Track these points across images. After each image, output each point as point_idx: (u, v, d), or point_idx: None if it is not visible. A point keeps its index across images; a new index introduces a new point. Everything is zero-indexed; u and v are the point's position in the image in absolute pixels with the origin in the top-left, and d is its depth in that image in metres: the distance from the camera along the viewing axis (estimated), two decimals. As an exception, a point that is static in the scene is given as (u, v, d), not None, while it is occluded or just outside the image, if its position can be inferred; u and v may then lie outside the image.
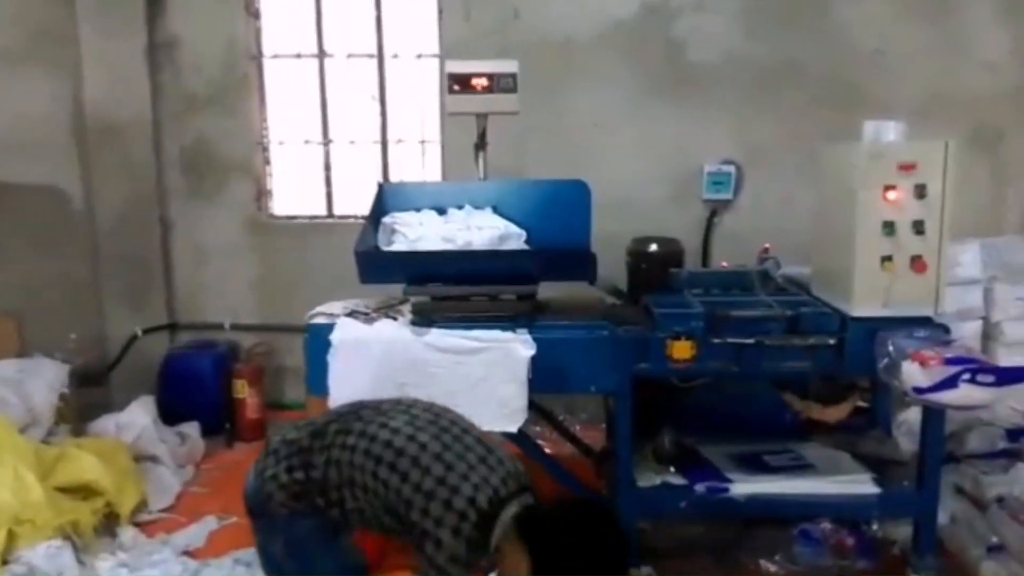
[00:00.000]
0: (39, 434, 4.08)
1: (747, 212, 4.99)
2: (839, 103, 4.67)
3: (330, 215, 5.42)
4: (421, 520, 1.92)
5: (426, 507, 1.93)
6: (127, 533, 3.68)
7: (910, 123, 3.16)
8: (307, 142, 5.33)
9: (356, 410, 2.20)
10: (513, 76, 3.56)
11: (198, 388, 4.94)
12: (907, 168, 2.95)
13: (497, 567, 2.00)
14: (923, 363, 2.66)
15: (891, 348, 2.82)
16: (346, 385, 3.06)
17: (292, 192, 5.43)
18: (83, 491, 3.70)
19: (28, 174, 4.80)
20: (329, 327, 3.16)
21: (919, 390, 2.64)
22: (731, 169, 4.97)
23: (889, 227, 2.95)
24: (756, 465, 3.31)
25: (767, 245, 3.84)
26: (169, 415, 4.69)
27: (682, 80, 4.95)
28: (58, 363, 4.48)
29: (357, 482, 2.02)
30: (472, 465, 1.99)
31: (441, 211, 3.49)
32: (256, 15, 5.23)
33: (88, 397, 4.76)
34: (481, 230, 3.36)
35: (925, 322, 2.99)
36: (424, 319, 3.15)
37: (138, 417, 4.40)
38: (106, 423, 4.39)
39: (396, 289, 3.33)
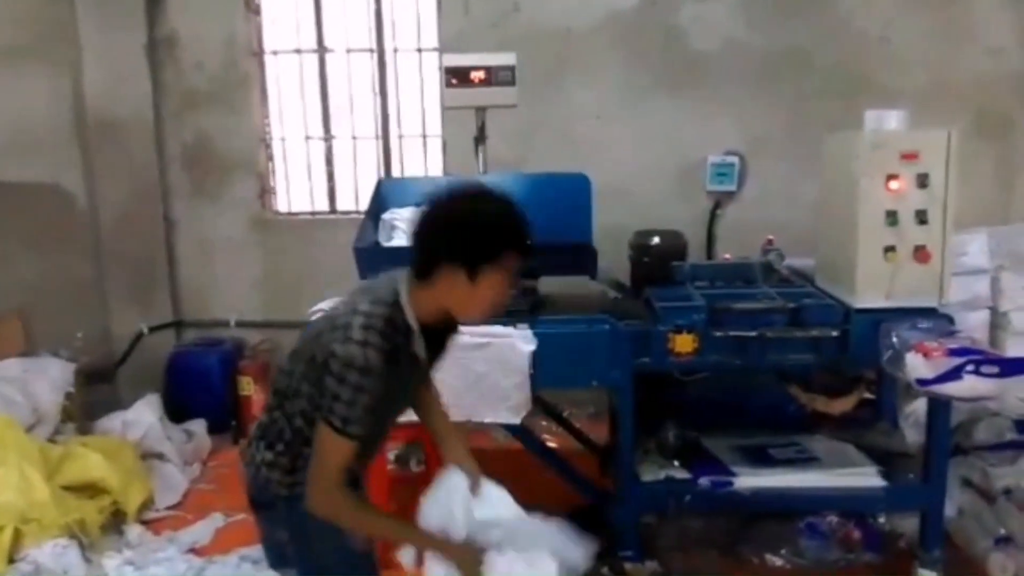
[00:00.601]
0: (45, 433, 4.09)
1: (751, 203, 4.95)
2: (843, 91, 4.63)
3: (333, 211, 5.41)
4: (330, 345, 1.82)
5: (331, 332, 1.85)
6: (133, 531, 3.70)
7: (915, 111, 3.12)
8: (309, 138, 5.32)
9: None
10: (511, 69, 3.55)
11: (204, 385, 4.96)
12: (909, 157, 2.92)
13: (441, 304, 1.90)
14: (927, 354, 2.63)
15: (895, 339, 2.80)
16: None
17: (295, 188, 5.43)
18: (89, 489, 3.72)
19: (30, 173, 4.80)
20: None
21: (923, 382, 2.62)
22: (735, 160, 4.93)
23: (892, 217, 2.93)
24: (761, 458, 3.29)
25: (770, 237, 3.81)
26: (175, 412, 4.72)
27: (684, 70, 4.91)
28: (63, 362, 4.48)
29: (300, 392, 1.93)
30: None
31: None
32: (256, 11, 5.22)
33: (95, 395, 4.76)
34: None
35: (929, 313, 2.96)
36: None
37: (144, 415, 4.42)
38: (112, 421, 4.41)
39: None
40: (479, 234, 1.83)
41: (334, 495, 1.86)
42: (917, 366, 2.64)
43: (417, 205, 1.90)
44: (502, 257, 1.84)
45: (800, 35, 4.83)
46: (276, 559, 2.12)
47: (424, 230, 1.87)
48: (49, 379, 4.30)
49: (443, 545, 1.96)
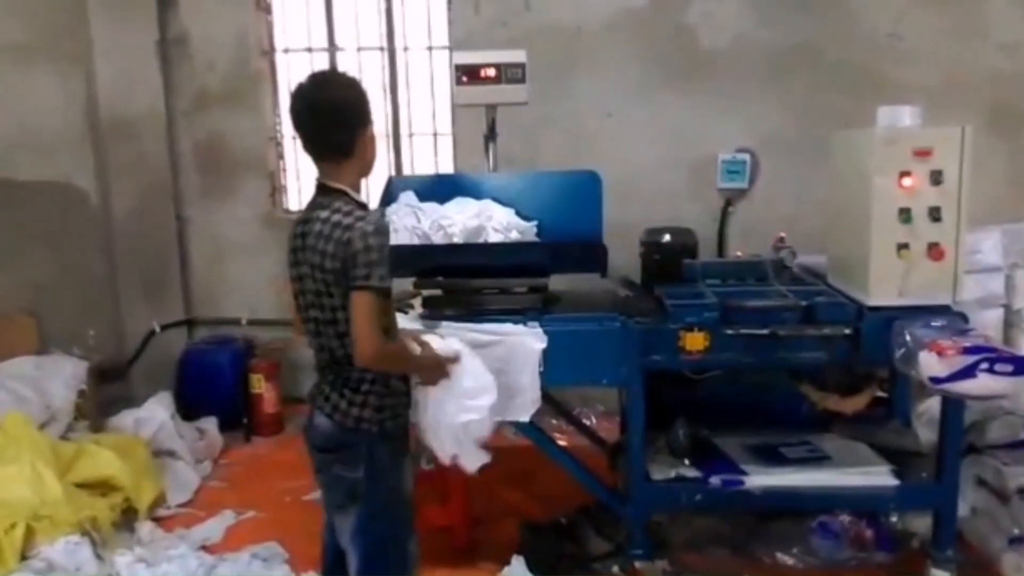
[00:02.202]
0: (58, 430, 4.12)
1: (763, 201, 4.93)
2: (855, 88, 4.60)
3: (343, 209, 5.40)
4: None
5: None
6: (145, 528, 3.72)
7: (927, 107, 3.09)
8: (320, 136, 5.31)
9: None
10: (521, 66, 3.54)
11: (216, 383, 4.98)
12: (923, 154, 2.89)
13: (360, 172, 2.32)
14: (940, 353, 2.61)
15: (908, 338, 2.77)
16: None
17: (306, 187, 5.44)
18: (101, 487, 3.74)
19: (43, 171, 4.83)
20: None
21: (936, 380, 2.60)
22: (746, 157, 4.91)
23: (905, 214, 2.90)
24: (772, 457, 3.27)
25: (782, 234, 3.78)
26: (187, 410, 4.74)
27: (694, 67, 4.89)
28: (76, 360, 4.52)
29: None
30: None
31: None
32: (267, 10, 5.24)
33: (108, 393, 4.81)
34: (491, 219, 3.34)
35: (943, 311, 2.93)
36: (435, 313, 3.13)
37: (156, 412, 4.44)
38: (125, 419, 4.44)
39: (409, 282, 3.33)
40: (364, 96, 2.26)
41: (385, 347, 2.18)
42: (930, 364, 2.62)
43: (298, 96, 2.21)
44: (371, 111, 2.28)
45: (810, 31, 4.79)
46: (346, 498, 2.29)
47: (331, 114, 2.20)
48: (62, 377, 4.34)
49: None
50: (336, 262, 2.13)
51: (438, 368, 2.45)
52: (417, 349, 2.43)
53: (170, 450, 4.32)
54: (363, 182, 2.36)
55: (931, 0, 4.71)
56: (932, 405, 3.69)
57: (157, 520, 3.84)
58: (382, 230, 2.15)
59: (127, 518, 3.74)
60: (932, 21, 4.71)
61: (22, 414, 3.79)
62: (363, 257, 2.10)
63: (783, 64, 4.82)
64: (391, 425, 2.29)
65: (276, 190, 5.38)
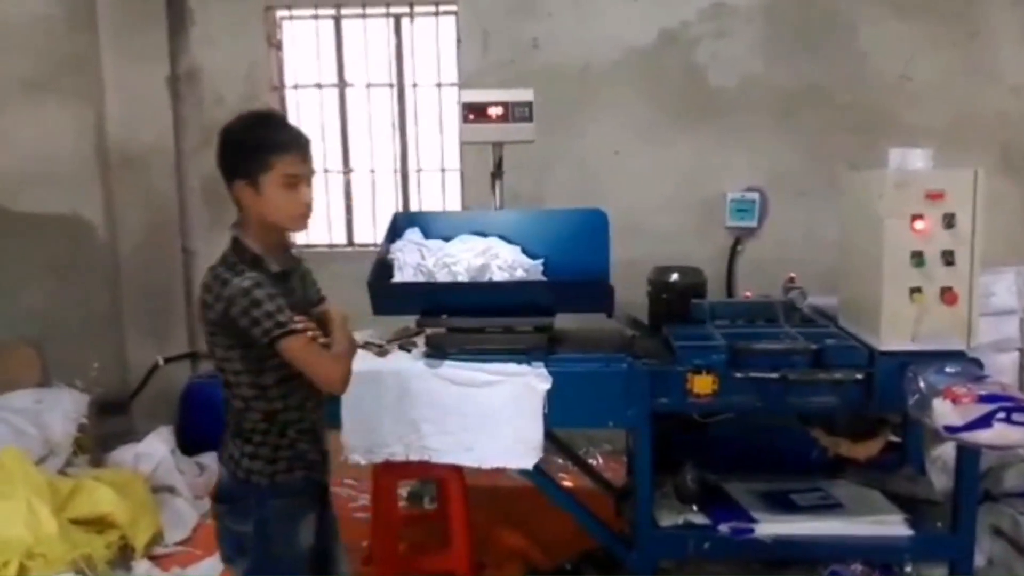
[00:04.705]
0: (57, 465, 4.08)
1: (772, 240, 4.89)
2: (864, 129, 4.60)
3: (350, 244, 5.41)
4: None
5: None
6: (141, 567, 3.67)
7: (938, 148, 3.06)
8: (328, 171, 5.34)
9: None
10: (528, 105, 3.53)
11: (218, 417, 4.84)
12: (935, 197, 2.85)
13: (259, 219, 2.19)
14: (955, 400, 2.54)
15: (921, 384, 2.70)
16: (358, 419, 3.01)
17: (313, 221, 5.41)
18: (98, 524, 3.69)
19: (51, 203, 4.85)
20: (342, 360, 3.11)
21: (951, 429, 2.52)
22: (755, 196, 4.88)
23: (918, 258, 2.84)
24: (783, 504, 3.19)
25: (792, 275, 3.72)
26: (190, 444, 4.67)
27: (703, 106, 4.89)
28: (77, 393, 4.50)
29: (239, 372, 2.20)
30: None
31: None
32: (278, 46, 5.27)
33: (110, 426, 4.79)
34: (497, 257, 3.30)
35: (957, 356, 2.87)
36: (438, 352, 3.09)
37: (156, 448, 4.40)
38: (125, 453, 4.40)
39: (412, 320, 3.28)
40: (237, 149, 2.14)
41: (341, 369, 2.18)
42: (945, 412, 2.54)
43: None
44: (270, 162, 2.11)
45: (819, 72, 4.80)
46: (233, 552, 2.25)
47: (220, 167, 2.18)
48: (62, 410, 4.31)
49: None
50: (215, 314, 2.10)
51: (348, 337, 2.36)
52: (340, 341, 2.27)
53: (169, 486, 4.27)
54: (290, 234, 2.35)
55: (942, 42, 4.71)
56: (946, 450, 3.61)
57: (154, 559, 3.78)
58: (256, 283, 2.08)
59: (123, 556, 3.68)
60: (942, 62, 4.70)
61: (18, 449, 3.75)
62: (256, 311, 2.05)
63: (792, 104, 4.82)
64: (284, 479, 2.21)
65: (283, 224, 5.36)
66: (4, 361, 4.58)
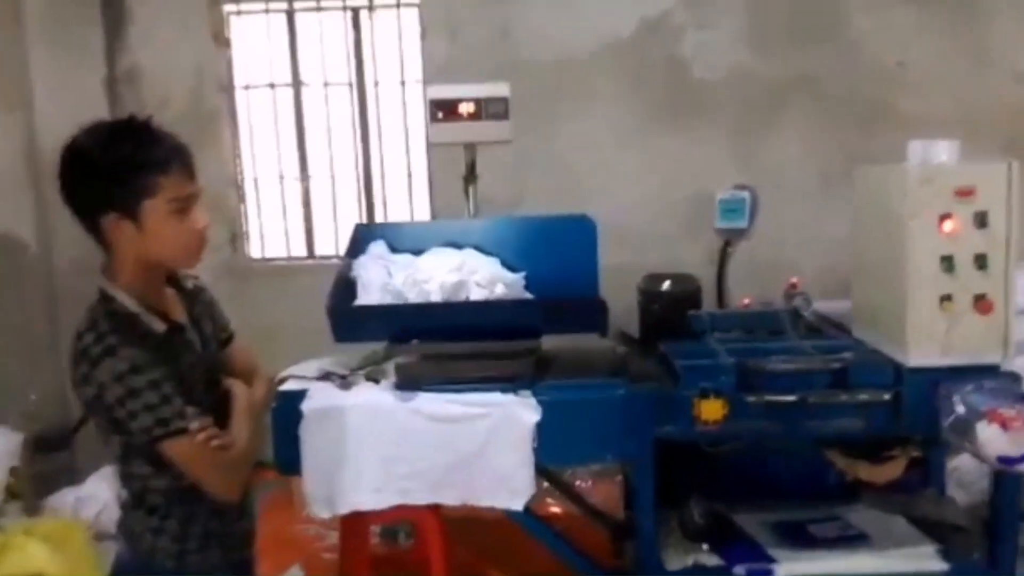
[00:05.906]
0: (-16, 516, 3.65)
1: (764, 241, 4.56)
2: (861, 121, 4.38)
3: (311, 256, 5.06)
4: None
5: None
6: (79, 629, 3.24)
7: (939, 139, 2.77)
8: (283, 178, 4.98)
9: None
10: (504, 100, 3.19)
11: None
12: (964, 194, 2.55)
13: (138, 262, 1.82)
14: (1004, 425, 2.24)
15: (959, 406, 2.40)
16: (320, 463, 2.64)
17: (269, 232, 5.07)
18: (30, 583, 3.27)
19: (-24, 220, 4.44)
20: (299, 394, 2.73)
21: (1007, 460, 2.22)
22: (745, 195, 4.56)
23: (947, 262, 2.54)
24: (801, 537, 2.87)
25: (794, 280, 3.44)
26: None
27: (688, 100, 4.63)
28: (8, 432, 4.06)
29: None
30: None
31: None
32: (226, 44, 4.89)
33: (50, 463, 4.38)
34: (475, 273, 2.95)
35: (992, 371, 2.57)
36: (410, 382, 2.72)
37: (99, 490, 3.99)
38: (65, 497, 4.01)
39: (381, 346, 2.92)
40: (103, 175, 1.71)
41: (226, 479, 1.81)
42: (994, 439, 2.24)
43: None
44: (149, 186, 1.72)
45: (810, 61, 4.55)
46: None
47: (69, 198, 1.75)
48: (-10, 453, 3.87)
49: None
50: (86, 397, 1.75)
51: (268, 393, 2.16)
52: (240, 437, 1.88)
53: (114, 533, 3.83)
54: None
55: (939, 27, 4.48)
56: (963, 462, 3.37)
57: (95, 618, 3.37)
58: (134, 368, 1.69)
59: (59, 618, 3.26)
60: (941, 48, 4.48)
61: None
62: (133, 403, 1.68)
63: (782, 96, 4.57)
64: (196, 559, 1.84)
65: (236, 236, 4.98)
66: (-78, 399, 4.15)
